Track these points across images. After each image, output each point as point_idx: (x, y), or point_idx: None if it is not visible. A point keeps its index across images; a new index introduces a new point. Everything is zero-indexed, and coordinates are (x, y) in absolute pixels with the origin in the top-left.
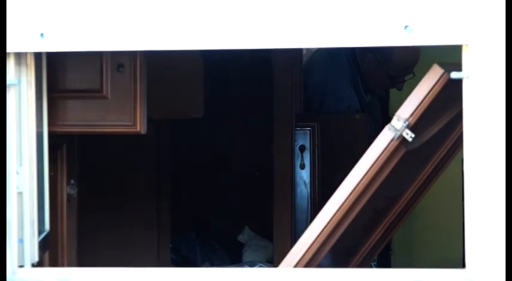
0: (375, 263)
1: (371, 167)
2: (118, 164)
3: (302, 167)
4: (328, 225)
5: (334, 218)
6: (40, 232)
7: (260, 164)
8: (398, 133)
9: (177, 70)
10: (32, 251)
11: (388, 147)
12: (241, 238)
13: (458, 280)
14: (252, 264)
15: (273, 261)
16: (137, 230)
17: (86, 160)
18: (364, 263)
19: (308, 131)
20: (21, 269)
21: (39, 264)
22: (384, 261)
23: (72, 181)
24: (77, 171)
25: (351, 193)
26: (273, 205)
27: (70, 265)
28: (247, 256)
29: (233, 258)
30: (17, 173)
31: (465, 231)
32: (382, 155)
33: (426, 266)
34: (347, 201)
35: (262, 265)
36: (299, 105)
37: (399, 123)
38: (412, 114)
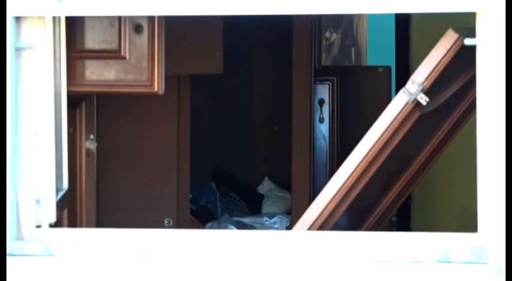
0: (395, 214)
1: (385, 131)
2: (136, 116)
3: (321, 121)
4: (343, 187)
5: (348, 180)
6: (58, 190)
7: (279, 118)
8: (413, 97)
9: (197, 25)
10: (50, 211)
11: (403, 111)
12: (261, 189)
13: (471, 244)
14: (271, 216)
15: (292, 213)
16: (156, 180)
17: (105, 113)
18: (379, 223)
19: (327, 85)
20: (39, 229)
21: (57, 223)
22: (404, 211)
23: (91, 136)
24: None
25: (365, 156)
26: (292, 159)
27: (89, 221)
28: (266, 207)
29: (253, 209)
30: (35, 134)
31: (478, 196)
32: (397, 119)
33: (446, 217)
34: (361, 163)
35: (281, 216)
36: (318, 58)
37: (414, 87)
38: (426, 79)
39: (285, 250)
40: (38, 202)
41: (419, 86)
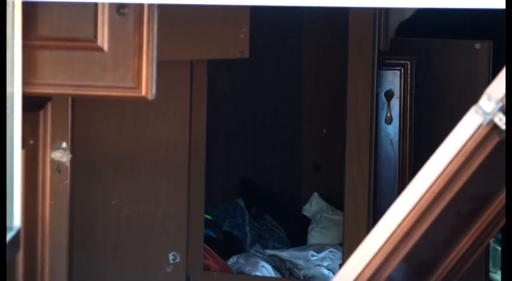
0: (498, 238)
1: (452, 161)
2: (132, 114)
3: (388, 120)
4: (395, 234)
5: (403, 225)
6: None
7: (328, 118)
8: (489, 118)
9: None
10: None
11: (476, 135)
12: (307, 209)
13: None
14: (319, 248)
15: (343, 246)
16: (159, 199)
17: (86, 112)
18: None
19: (398, 72)
20: None
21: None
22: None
23: (63, 145)
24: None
25: (424, 194)
26: (345, 172)
27: (56, 267)
28: (314, 235)
29: (295, 238)
30: None
31: None
32: (468, 145)
33: None
34: (419, 204)
35: (333, 250)
36: (385, 37)
37: (490, 105)
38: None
39: None
40: None
41: (496, 104)
